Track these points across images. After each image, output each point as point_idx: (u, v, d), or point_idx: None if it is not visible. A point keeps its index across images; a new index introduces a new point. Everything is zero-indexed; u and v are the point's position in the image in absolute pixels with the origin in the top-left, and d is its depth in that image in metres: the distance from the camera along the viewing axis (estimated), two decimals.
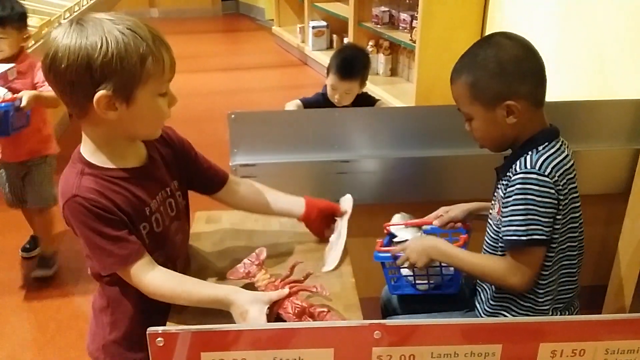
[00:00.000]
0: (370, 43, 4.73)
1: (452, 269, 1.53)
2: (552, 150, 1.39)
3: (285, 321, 1.17)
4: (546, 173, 1.35)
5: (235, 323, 1.15)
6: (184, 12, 7.96)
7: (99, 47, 1.08)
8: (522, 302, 1.47)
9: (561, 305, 1.49)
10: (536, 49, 1.41)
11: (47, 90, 2.32)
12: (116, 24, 1.10)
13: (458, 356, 0.92)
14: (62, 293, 2.60)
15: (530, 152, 1.39)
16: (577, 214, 1.44)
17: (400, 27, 4.39)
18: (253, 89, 5.38)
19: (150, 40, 1.12)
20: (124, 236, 1.17)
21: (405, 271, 1.59)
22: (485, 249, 1.54)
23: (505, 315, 1.49)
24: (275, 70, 6.03)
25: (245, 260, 1.30)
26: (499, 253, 1.47)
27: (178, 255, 1.36)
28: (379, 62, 4.70)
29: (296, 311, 1.17)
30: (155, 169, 1.28)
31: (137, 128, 1.20)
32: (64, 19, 4.38)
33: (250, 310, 1.14)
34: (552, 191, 1.35)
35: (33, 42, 3.70)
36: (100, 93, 1.10)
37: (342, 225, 1.50)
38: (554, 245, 1.41)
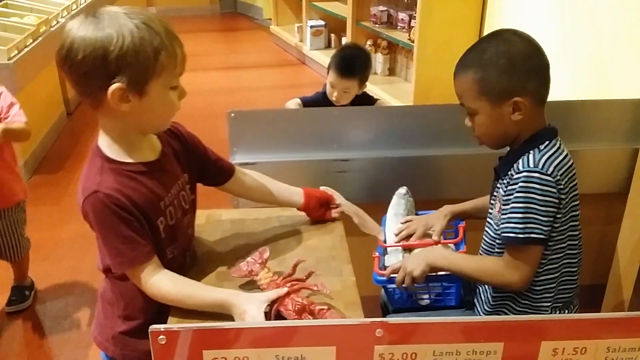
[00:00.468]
0: (369, 42, 4.72)
1: (451, 282, 1.52)
2: (553, 150, 1.40)
3: (285, 318, 1.17)
4: (549, 172, 1.35)
5: None
6: (182, 10, 7.94)
7: (114, 40, 1.10)
8: (521, 301, 1.47)
9: (560, 304, 1.49)
10: (542, 47, 1.41)
11: (16, 121, 2.15)
12: (131, 17, 1.12)
13: (460, 354, 0.92)
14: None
15: (532, 151, 1.39)
16: (577, 213, 1.45)
17: (399, 27, 4.39)
18: (251, 88, 5.37)
19: (164, 34, 1.14)
20: (136, 237, 1.19)
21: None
22: (482, 248, 1.55)
23: (505, 314, 1.49)
24: (273, 69, 6.02)
25: (249, 259, 1.31)
26: (497, 251, 1.47)
27: (188, 249, 1.39)
28: (377, 61, 4.70)
29: (296, 308, 1.17)
30: (169, 162, 1.31)
31: (149, 120, 1.22)
32: (62, 17, 4.37)
33: (249, 310, 1.16)
34: (554, 190, 1.35)
35: (32, 39, 3.71)
36: (115, 85, 1.12)
37: (349, 206, 1.60)
38: (555, 245, 1.41)
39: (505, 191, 1.42)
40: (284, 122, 1.97)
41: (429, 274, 1.48)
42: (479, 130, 1.45)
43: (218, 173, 1.46)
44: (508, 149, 1.49)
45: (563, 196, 1.37)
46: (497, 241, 1.46)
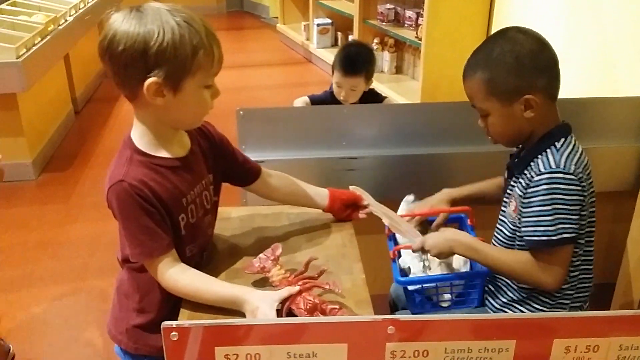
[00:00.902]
0: (376, 41, 4.72)
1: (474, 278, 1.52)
2: (571, 147, 1.39)
3: (297, 317, 1.17)
4: (571, 171, 1.35)
5: None
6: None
7: (155, 35, 1.12)
8: (542, 299, 1.46)
9: (578, 303, 1.48)
10: (549, 43, 1.41)
11: None
12: (173, 15, 1.15)
13: (472, 352, 0.92)
14: None
15: (548, 150, 1.39)
16: (594, 209, 1.45)
17: (406, 25, 4.38)
18: (258, 86, 5.37)
19: (204, 33, 1.17)
20: (157, 229, 1.21)
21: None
22: (497, 245, 1.53)
23: (521, 311, 1.48)
24: (279, 67, 6.02)
25: (261, 255, 1.31)
26: (517, 249, 1.46)
27: (205, 249, 1.41)
28: (384, 59, 4.70)
29: (308, 307, 1.17)
30: (196, 160, 1.32)
31: (181, 116, 1.24)
32: (70, 15, 4.38)
33: (261, 307, 1.16)
34: (579, 188, 1.35)
35: (40, 38, 3.72)
36: (151, 79, 1.15)
37: (378, 207, 1.56)
38: (579, 241, 1.41)
39: (524, 193, 1.40)
40: (293, 119, 1.97)
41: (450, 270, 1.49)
42: (492, 130, 1.45)
43: (245, 174, 1.48)
44: (520, 146, 1.49)
45: (586, 194, 1.37)
46: (517, 242, 1.45)
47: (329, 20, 5.71)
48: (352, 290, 1.30)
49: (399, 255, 1.63)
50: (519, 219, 1.42)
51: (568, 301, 1.46)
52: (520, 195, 1.42)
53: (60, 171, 3.71)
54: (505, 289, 1.54)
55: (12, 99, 3.38)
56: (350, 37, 5.16)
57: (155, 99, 1.17)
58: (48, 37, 3.84)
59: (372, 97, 2.63)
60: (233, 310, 1.20)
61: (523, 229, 1.39)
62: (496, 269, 1.45)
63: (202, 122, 1.32)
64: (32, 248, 2.91)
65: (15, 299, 2.55)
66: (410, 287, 1.57)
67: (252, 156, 1.87)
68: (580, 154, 1.40)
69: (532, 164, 1.40)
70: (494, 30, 3.57)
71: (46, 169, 3.71)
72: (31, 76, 3.45)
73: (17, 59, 3.32)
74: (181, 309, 1.24)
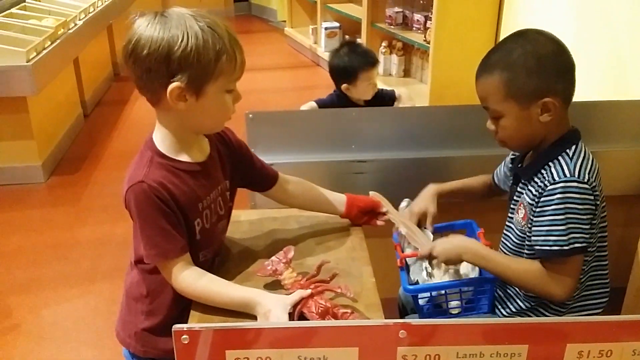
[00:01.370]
0: (384, 44, 4.72)
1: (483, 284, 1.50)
2: (583, 154, 1.37)
3: (309, 320, 1.16)
4: (585, 179, 1.32)
5: None
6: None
7: (179, 40, 1.13)
8: (552, 307, 1.45)
9: (597, 310, 1.47)
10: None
11: None
12: (197, 20, 1.16)
13: (484, 356, 0.91)
14: None
15: (560, 157, 1.36)
16: (605, 214, 1.43)
17: (414, 28, 4.38)
18: (266, 89, 5.38)
19: (227, 39, 1.18)
20: (173, 231, 1.22)
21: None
22: (505, 253, 1.51)
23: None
24: (287, 71, 6.03)
25: (273, 258, 1.31)
26: (525, 257, 1.44)
27: (218, 254, 1.41)
28: (392, 63, 4.69)
29: (320, 311, 1.17)
30: (214, 166, 1.33)
31: (203, 120, 1.25)
32: (79, 20, 4.41)
33: (273, 310, 1.16)
34: (592, 197, 1.33)
35: (50, 42, 3.74)
36: (175, 84, 1.16)
37: (396, 215, 1.56)
38: (590, 249, 1.39)
39: (536, 201, 1.37)
40: (302, 123, 1.98)
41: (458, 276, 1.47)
42: (503, 133, 1.41)
43: (262, 180, 1.48)
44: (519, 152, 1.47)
45: (598, 202, 1.35)
46: (526, 250, 1.43)
47: (337, 24, 5.72)
48: (362, 293, 1.30)
49: (407, 265, 1.61)
50: (529, 227, 1.39)
51: (581, 309, 1.44)
52: (530, 204, 1.39)
53: (70, 174, 3.72)
54: (515, 297, 1.52)
55: (22, 102, 3.40)
56: (358, 41, 5.16)
57: (178, 103, 1.18)
58: (58, 41, 3.86)
59: (380, 93, 2.72)
60: (243, 312, 1.20)
61: (534, 238, 1.37)
62: (505, 277, 1.42)
63: (223, 126, 1.33)
64: (41, 250, 2.92)
65: (24, 301, 2.56)
66: (419, 296, 1.55)
67: (262, 159, 1.89)
68: (592, 161, 1.37)
69: (543, 171, 1.37)
70: (502, 34, 3.57)
71: (55, 172, 3.73)
72: (41, 80, 3.47)
73: (27, 62, 3.34)
74: (191, 312, 1.24)
